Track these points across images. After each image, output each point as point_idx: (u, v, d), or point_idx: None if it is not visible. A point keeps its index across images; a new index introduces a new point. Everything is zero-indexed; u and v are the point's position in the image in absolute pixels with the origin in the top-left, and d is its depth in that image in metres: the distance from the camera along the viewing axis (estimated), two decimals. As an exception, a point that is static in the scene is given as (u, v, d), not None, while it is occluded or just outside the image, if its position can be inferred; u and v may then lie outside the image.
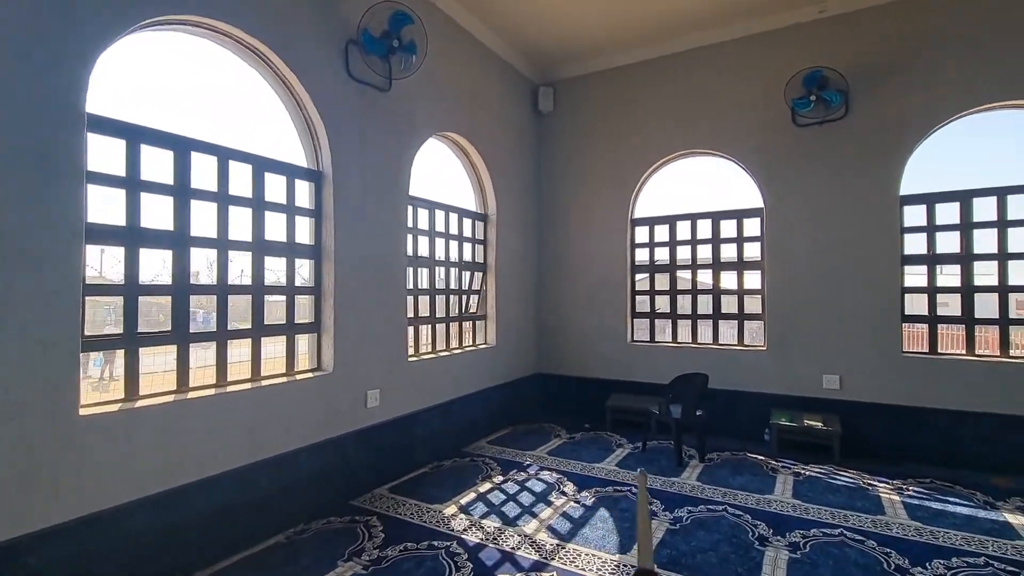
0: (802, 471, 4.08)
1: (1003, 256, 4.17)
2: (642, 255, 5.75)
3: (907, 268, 4.46)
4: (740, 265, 5.20)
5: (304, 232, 3.49)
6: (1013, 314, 4.19)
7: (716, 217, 5.31)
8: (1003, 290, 4.19)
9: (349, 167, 3.63)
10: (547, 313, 6.12)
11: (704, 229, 5.37)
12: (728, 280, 5.33)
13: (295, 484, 3.18)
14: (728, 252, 5.27)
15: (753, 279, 5.14)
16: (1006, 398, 4.01)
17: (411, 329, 4.36)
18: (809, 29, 4.69)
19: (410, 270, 4.33)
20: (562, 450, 4.69)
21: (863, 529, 3.09)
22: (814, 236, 4.69)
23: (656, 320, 5.69)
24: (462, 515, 3.33)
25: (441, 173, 5.39)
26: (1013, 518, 3.21)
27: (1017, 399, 3.97)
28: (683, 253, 5.50)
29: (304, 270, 3.57)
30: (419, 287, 4.50)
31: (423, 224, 4.55)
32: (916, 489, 3.69)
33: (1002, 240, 4.17)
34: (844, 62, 4.42)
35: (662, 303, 5.67)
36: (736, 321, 5.24)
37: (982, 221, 4.24)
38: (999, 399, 4.03)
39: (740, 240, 5.19)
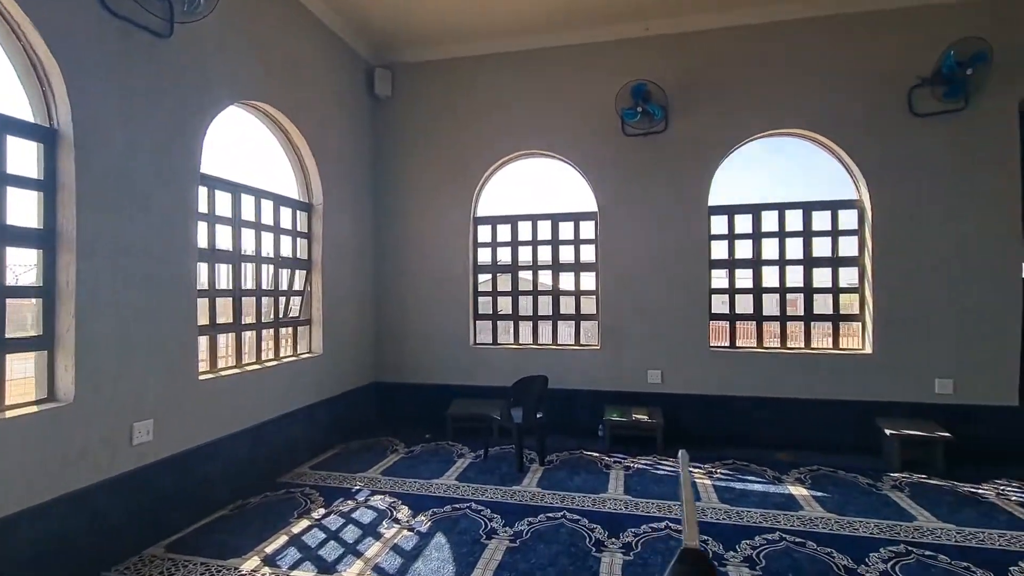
0: (632, 464, 4.26)
1: (783, 262, 4.88)
2: (485, 255, 5.59)
3: (714, 271, 4.98)
4: (577, 267, 5.33)
5: (28, 210, 2.52)
6: (790, 311, 4.93)
7: (555, 219, 5.38)
8: (783, 291, 4.90)
9: (107, 128, 2.73)
10: (386, 316, 5.61)
11: (545, 230, 5.40)
12: (566, 281, 5.44)
13: (14, 563, 2.24)
14: (566, 254, 5.38)
15: (589, 280, 5.31)
16: (787, 384, 4.68)
17: (205, 340, 3.52)
18: (638, 44, 4.98)
19: (204, 267, 3.50)
20: (398, 468, 4.25)
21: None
22: (640, 241, 4.99)
23: (499, 322, 5.57)
24: (266, 568, 2.70)
25: (256, 154, 4.56)
26: (795, 489, 3.70)
27: (794, 384, 4.66)
28: (525, 254, 5.47)
29: (27, 262, 2.59)
30: (217, 287, 3.67)
31: (224, 211, 3.73)
32: (723, 471, 4.08)
33: (782, 248, 4.88)
34: (667, 78, 4.76)
35: (505, 304, 5.57)
36: (573, 322, 5.36)
37: (769, 231, 4.92)
38: (782, 385, 4.69)
39: (577, 243, 5.32)
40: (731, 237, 4.99)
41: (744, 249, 4.98)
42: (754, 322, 4.99)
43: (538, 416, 4.28)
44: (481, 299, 5.59)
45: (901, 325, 4.45)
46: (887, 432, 4.15)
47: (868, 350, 4.58)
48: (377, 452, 4.65)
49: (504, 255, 5.54)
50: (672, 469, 4.13)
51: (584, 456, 4.49)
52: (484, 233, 5.57)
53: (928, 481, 3.83)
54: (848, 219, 4.75)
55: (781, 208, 4.88)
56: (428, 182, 5.51)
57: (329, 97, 4.86)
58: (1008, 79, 4.15)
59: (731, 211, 4.98)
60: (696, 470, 4.10)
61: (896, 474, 3.99)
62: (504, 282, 5.61)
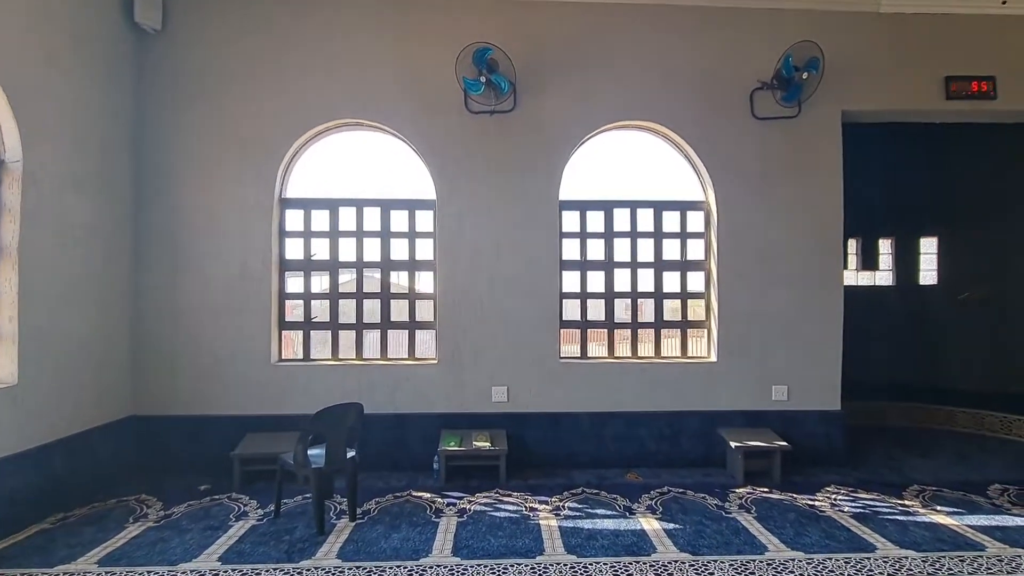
0: (468, 506, 3.49)
1: (635, 264, 4.55)
2: (295, 247, 4.43)
3: (565, 274, 4.47)
4: (412, 265, 4.45)
5: None
6: (641, 319, 4.61)
7: (387, 206, 4.44)
8: (635, 296, 4.57)
9: None
10: (148, 326, 4.14)
11: (372, 219, 4.43)
12: (399, 283, 4.52)
13: None
14: (399, 250, 4.46)
15: (426, 282, 4.46)
16: (637, 396, 4.32)
17: None
18: (486, 5, 4.28)
19: None
20: (135, 547, 2.93)
21: (523, 585, 2.55)
22: (484, 236, 4.28)
23: (313, 332, 4.44)
24: None
25: None
26: (646, 523, 3.23)
27: (644, 396, 4.32)
28: (347, 247, 4.43)
29: None
30: None
31: None
32: (571, 505, 3.50)
33: (634, 249, 4.54)
34: (515, 49, 4.10)
35: (321, 310, 4.47)
36: (407, 331, 4.46)
37: (621, 231, 4.55)
38: (632, 398, 4.32)
39: (412, 236, 4.44)
40: (583, 236, 4.53)
41: (596, 250, 4.55)
42: (606, 329, 4.58)
43: (350, 455, 3.29)
44: (290, 302, 4.41)
45: (742, 332, 4.35)
46: (732, 444, 3.96)
47: (713, 358, 4.41)
48: (112, 522, 3.24)
49: (322, 247, 4.44)
50: (515, 510, 3.44)
51: (411, 500, 3.61)
52: (295, 220, 4.41)
53: (770, 496, 3.67)
54: (696, 221, 4.57)
55: (633, 207, 4.54)
56: (216, 148, 4.19)
57: (57, 19, 3.35)
58: (835, 89, 4.24)
59: (583, 207, 4.52)
60: (542, 508, 3.46)
61: (741, 490, 3.78)
62: (321, 282, 4.50)
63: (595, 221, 4.53)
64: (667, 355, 4.58)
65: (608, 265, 4.52)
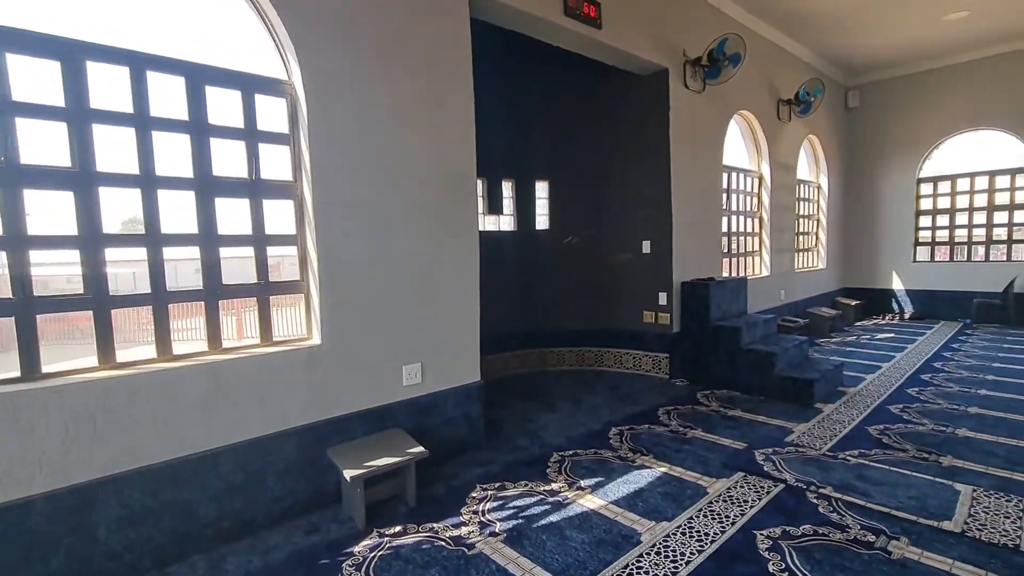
0: None
1: (151, 182, 2.38)
2: None
3: None
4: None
5: None
6: (186, 284, 2.52)
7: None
8: (155, 243, 2.42)
9: None
10: None
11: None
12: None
13: None
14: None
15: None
16: (169, 431, 2.29)
17: None
18: None
19: None
20: None
21: None
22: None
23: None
24: None
25: None
26: None
27: (195, 428, 2.34)
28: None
29: None
30: None
31: None
32: None
33: (144, 150, 2.36)
34: None
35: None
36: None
37: (112, 113, 2.27)
38: (157, 437, 2.27)
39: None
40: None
41: (42, 143, 2.15)
42: (91, 312, 2.29)
43: None
44: None
45: (358, 294, 2.89)
46: (347, 474, 2.49)
47: (316, 339, 2.81)
48: None
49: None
50: None
51: None
52: None
53: (404, 541, 2.40)
54: (275, 114, 2.74)
55: (137, 65, 2.32)
56: None
57: None
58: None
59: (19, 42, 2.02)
60: None
61: (364, 543, 2.39)
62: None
63: (46, 83, 2.10)
64: (233, 345, 2.69)
65: (83, 179, 2.21)
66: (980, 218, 7.85)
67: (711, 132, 5.57)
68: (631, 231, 5.36)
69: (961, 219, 7.97)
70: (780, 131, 6.79)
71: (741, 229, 6.44)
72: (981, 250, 7.95)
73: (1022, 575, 2.03)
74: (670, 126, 4.95)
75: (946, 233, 8.11)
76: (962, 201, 7.95)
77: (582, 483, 2.94)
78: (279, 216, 2.77)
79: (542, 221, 5.68)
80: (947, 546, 2.22)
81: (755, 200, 6.72)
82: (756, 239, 6.79)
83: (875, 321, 8.19)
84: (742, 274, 6.45)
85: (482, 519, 2.58)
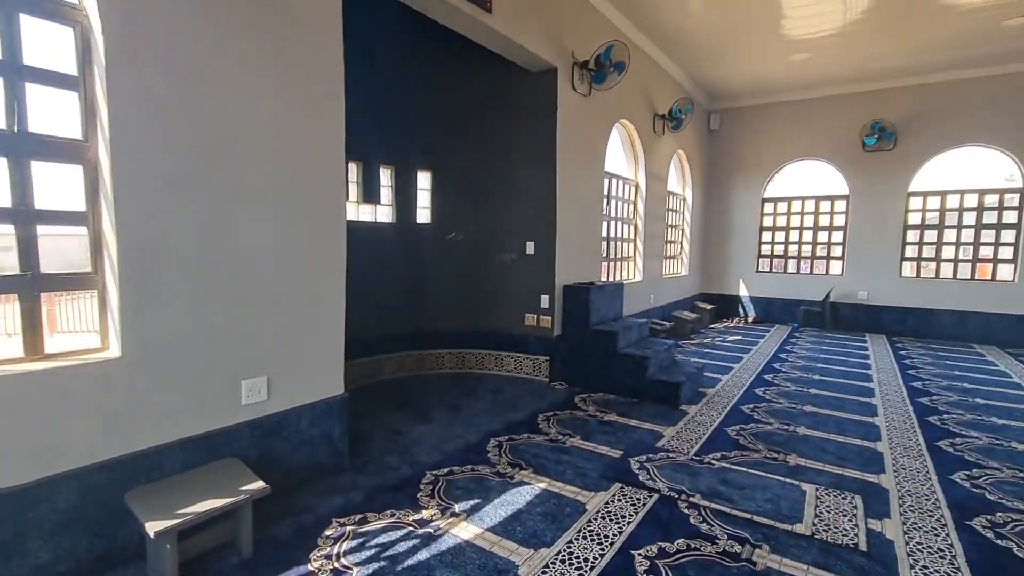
0: None
1: None
2: None
3: None
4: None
5: None
6: None
7: None
8: None
9: None
10: None
11: None
12: None
13: None
14: None
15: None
16: None
17: None
18: None
19: None
20: None
21: None
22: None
23: None
24: None
25: None
26: None
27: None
28: None
29: None
30: None
31: None
32: None
33: None
34: None
35: None
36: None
37: None
38: None
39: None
40: None
41: None
42: None
43: None
44: None
45: (176, 288, 2.28)
46: (151, 530, 1.92)
47: (113, 350, 2.16)
48: None
49: None
50: None
51: None
52: None
53: (229, 610, 1.92)
54: (60, 49, 2.04)
55: None
56: None
57: None
58: None
59: None
60: None
61: (169, 618, 1.85)
62: None
63: None
64: (31, 356, 1.96)
65: None
66: (808, 236, 9.10)
67: (596, 137, 5.63)
68: (516, 230, 5.21)
69: (793, 236, 9.17)
70: (655, 143, 7.15)
71: (618, 235, 6.66)
72: (807, 264, 9.23)
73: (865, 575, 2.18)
74: (557, 126, 4.87)
75: (782, 247, 9.28)
76: (794, 220, 9.15)
77: (456, 507, 2.66)
78: (62, 186, 2.08)
79: (423, 214, 5.29)
80: (801, 550, 2.33)
81: (631, 207, 7.01)
82: (631, 245, 7.09)
83: (725, 324, 9.09)
84: (618, 278, 6.67)
85: (336, 564, 2.17)
